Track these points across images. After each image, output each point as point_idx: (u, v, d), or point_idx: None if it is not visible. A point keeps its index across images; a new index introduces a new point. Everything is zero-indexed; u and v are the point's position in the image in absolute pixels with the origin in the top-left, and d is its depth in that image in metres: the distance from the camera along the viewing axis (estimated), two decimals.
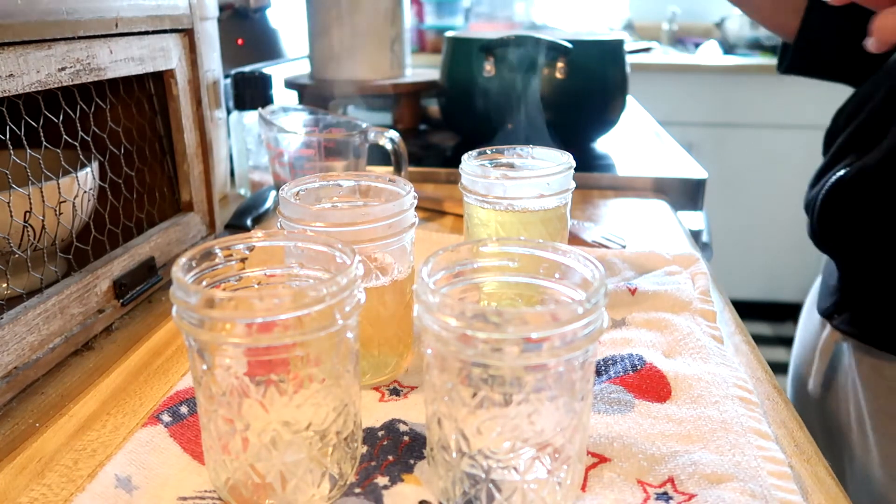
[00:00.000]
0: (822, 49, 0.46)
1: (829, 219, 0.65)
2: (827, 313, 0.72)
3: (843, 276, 0.69)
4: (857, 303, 0.68)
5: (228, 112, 0.91)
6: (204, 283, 0.36)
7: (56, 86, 0.46)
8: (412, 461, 0.38)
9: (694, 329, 0.51)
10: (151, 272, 0.58)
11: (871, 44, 0.45)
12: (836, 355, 0.72)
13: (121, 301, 0.54)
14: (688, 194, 0.91)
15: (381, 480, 0.36)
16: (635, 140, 1.15)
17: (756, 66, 2.38)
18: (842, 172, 0.63)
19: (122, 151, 0.59)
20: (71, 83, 0.48)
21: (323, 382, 0.33)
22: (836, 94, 0.76)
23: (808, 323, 0.79)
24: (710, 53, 2.61)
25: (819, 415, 0.76)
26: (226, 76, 0.93)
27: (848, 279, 0.69)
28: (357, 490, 0.36)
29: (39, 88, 0.45)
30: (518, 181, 0.51)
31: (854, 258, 0.66)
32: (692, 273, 0.60)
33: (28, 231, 0.48)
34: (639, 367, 0.46)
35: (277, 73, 1.07)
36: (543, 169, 0.53)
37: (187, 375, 0.47)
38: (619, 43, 1.02)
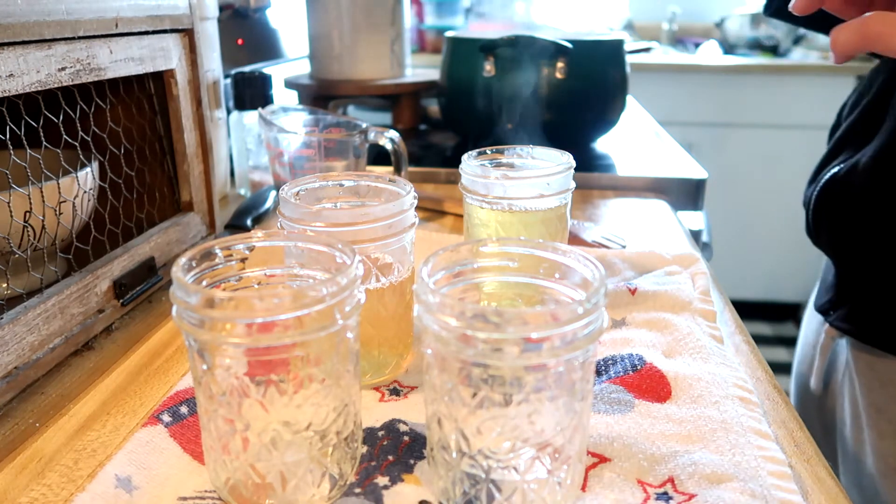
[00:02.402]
0: None
1: (823, 215, 0.65)
2: (823, 310, 0.72)
3: (839, 273, 0.69)
4: (852, 299, 0.68)
5: (228, 112, 0.91)
6: (204, 283, 0.36)
7: (56, 86, 0.46)
8: (412, 461, 0.38)
9: (694, 329, 0.51)
10: (151, 272, 0.58)
11: (833, 58, 0.45)
12: (835, 352, 0.72)
13: (121, 301, 0.54)
14: (688, 194, 0.91)
15: (381, 480, 0.36)
16: (635, 140, 1.15)
17: (756, 66, 2.38)
18: (836, 170, 0.63)
19: (122, 151, 0.59)
20: (71, 83, 0.48)
21: (323, 382, 0.33)
22: (836, 94, 0.76)
23: (810, 321, 0.79)
24: (710, 53, 2.61)
25: (818, 412, 0.76)
26: (226, 76, 0.93)
27: (843, 276, 0.69)
28: (357, 490, 0.36)
29: (39, 88, 0.45)
30: (518, 181, 0.51)
31: (848, 255, 0.66)
32: (692, 273, 0.60)
33: (28, 231, 0.48)
34: (639, 367, 0.46)
35: (277, 73, 1.07)
36: (543, 169, 0.53)
37: (187, 375, 0.47)
38: (619, 43, 1.02)
